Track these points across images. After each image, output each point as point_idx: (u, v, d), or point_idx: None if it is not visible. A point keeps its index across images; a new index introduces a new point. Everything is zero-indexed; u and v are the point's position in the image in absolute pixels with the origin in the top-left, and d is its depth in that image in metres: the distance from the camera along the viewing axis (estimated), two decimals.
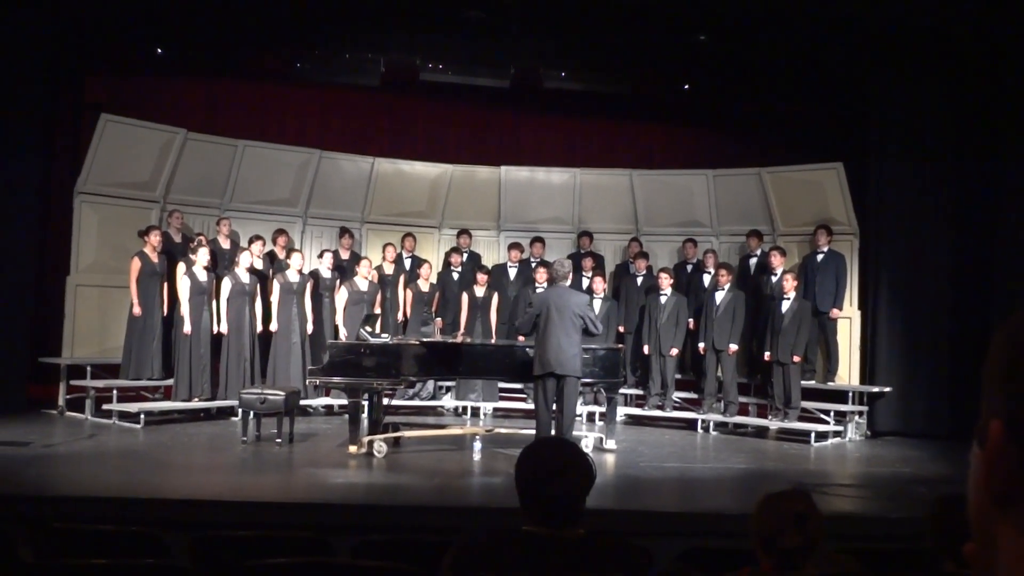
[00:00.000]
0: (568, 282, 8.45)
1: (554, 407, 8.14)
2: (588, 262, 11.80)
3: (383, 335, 9.26)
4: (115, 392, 9.86)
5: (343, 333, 10.70)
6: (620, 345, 10.19)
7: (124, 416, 9.60)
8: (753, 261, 11.43)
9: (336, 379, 8.69)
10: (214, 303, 10.20)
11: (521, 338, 10.83)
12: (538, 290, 10.92)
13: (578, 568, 2.40)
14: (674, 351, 10.87)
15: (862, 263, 11.14)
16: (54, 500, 6.02)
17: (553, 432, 7.98)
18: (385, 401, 9.36)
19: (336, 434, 9.38)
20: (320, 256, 11.35)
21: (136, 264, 10.11)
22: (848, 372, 10.90)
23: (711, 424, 10.59)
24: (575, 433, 9.30)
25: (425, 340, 9.08)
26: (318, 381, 9.74)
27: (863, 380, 10.84)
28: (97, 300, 10.63)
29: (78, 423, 9.67)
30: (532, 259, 11.92)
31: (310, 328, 10.80)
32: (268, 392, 8.76)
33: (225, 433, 9.41)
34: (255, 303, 10.44)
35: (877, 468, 8.79)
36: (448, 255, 12.18)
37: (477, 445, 8.76)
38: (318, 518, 5.89)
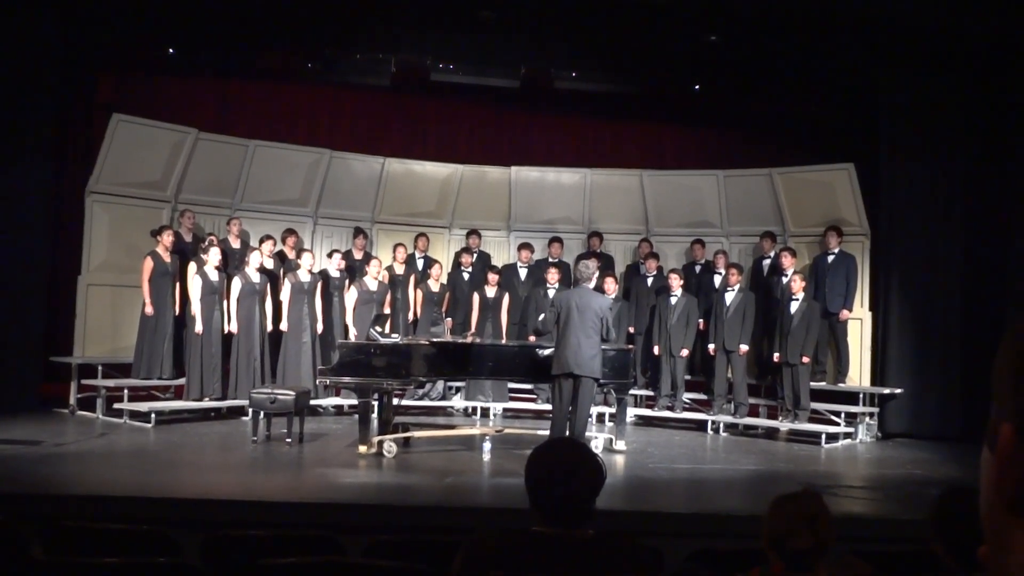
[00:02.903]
0: (592, 284, 8.42)
1: (569, 408, 8.12)
2: (594, 262, 11.75)
3: (393, 335, 9.27)
4: (126, 391, 9.90)
5: (352, 333, 10.70)
6: (630, 346, 10.17)
7: (135, 415, 9.63)
8: (766, 263, 11.39)
9: (346, 379, 8.71)
10: (225, 303, 10.23)
11: (532, 337, 10.83)
12: (550, 291, 10.92)
13: (588, 569, 2.40)
14: (684, 352, 10.85)
15: (873, 264, 11.09)
16: (65, 499, 6.05)
17: (566, 432, 7.97)
18: (395, 401, 9.37)
19: (346, 434, 9.39)
20: (329, 256, 11.36)
21: (148, 264, 10.14)
22: (859, 373, 10.86)
23: (721, 425, 10.57)
24: (585, 434, 9.31)
25: (435, 340, 9.08)
26: (328, 381, 9.79)
27: (874, 381, 10.80)
28: (109, 299, 10.67)
29: (89, 422, 9.70)
30: (551, 259, 11.89)
31: (320, 328, 10.82)
32: (278, 392, 8.77)
33: (235, 433, 9.44)
34: (265, 303, 10.46)
35: (888, 470, 8.76)
36: (458, 255, 12.19)
37: (487, 445, 8.75)
38: (328, 518, 5.90)
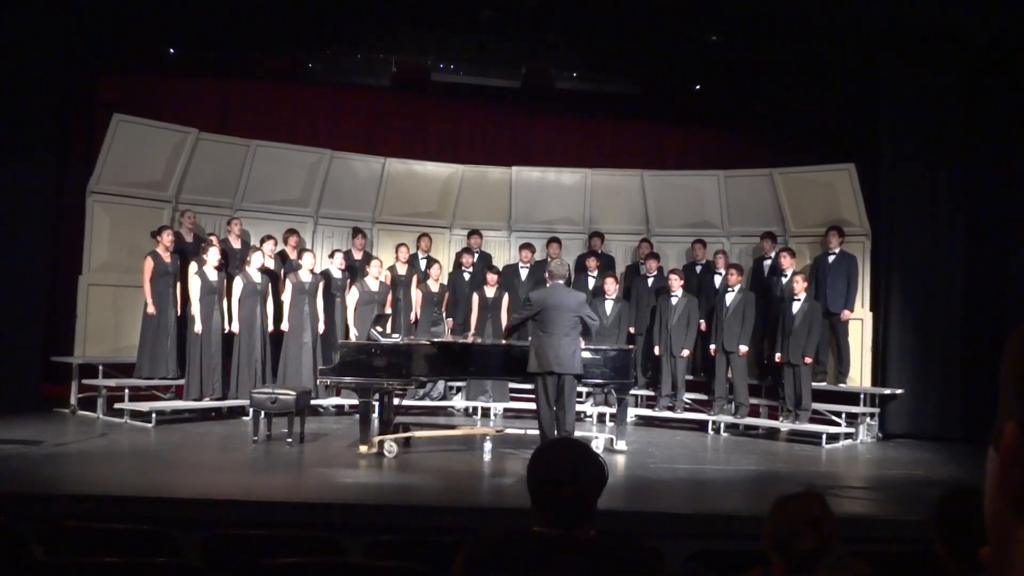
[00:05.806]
0: (564, 281, 8.44)
1: (554, 406, 8.13)
2: (592, 262, 11.78)
3: (394, 335, 9.27)
4: (127, 391, 9.90)
5: (353, 333, 10.70)
6: (631, 346, 10.16)
7: (136, 415, 9.63)
8: (767, 263, 11.38)
9: (347, 379, 8.70)
10: (225, 303, 10.24)
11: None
12: None
13: (589, 569, 2.40)
14: (685, 352, 10.84)
15: (874, 264, 11.08)
16: (66, 499, 6.04)
17: (555, 430, 8.00)
18: (396, 401, 9.36)
19: (347, 434, 9.39)
20: (331, 256, 11.36)
21: (149, 264, 10.15)
22: (860, 374, 10.85)
23: (722, 425, 10.56)
24: (586, 434, 9.33)
25: (436, 340, 9.09)
26: (329, 381, 9.76)
27: (875, 382, 10.79)
28: (109, 299, 10.67)
29: (90, 422, 9.70)
30: (550, 259, 11.88)
31: (321, 328, 10.81)
32: (279, 392, 8.77)
33: (236, 433, 9.43)
34: (267, 303, 10.46)
35: (889, 470, 8.74)
36: (459, 255, 12.18)
37: (487, 446, 8.75)
38: (329, 518, 5.90)
